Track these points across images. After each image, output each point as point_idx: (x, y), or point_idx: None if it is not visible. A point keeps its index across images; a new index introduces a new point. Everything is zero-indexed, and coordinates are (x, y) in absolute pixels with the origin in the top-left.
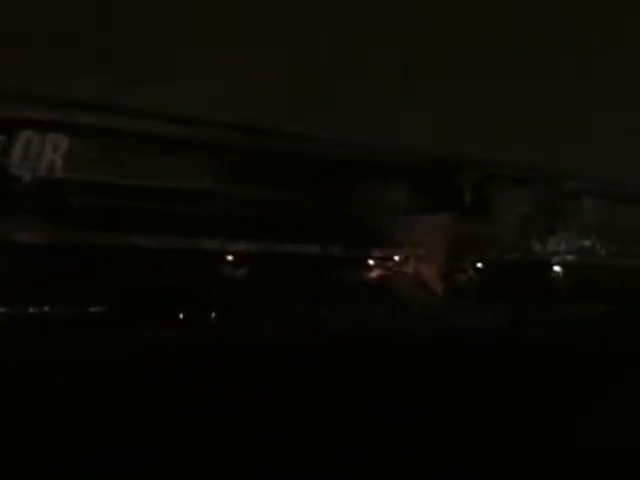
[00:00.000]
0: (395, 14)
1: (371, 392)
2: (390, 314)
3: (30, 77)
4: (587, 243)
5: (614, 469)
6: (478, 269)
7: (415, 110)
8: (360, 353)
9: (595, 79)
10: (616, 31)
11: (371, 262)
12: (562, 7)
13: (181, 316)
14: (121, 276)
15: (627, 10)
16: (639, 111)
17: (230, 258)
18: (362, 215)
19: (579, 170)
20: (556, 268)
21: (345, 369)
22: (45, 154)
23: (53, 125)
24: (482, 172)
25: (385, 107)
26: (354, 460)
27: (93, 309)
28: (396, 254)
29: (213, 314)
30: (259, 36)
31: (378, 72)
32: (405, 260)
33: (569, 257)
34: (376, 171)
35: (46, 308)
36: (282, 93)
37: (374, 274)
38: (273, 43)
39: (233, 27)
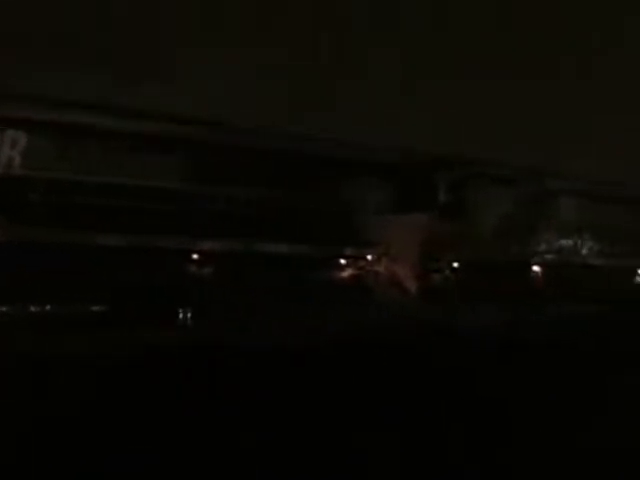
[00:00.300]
0: (395, 14)
1: (350, 391)
2: (363, 313)
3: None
4: (569, 243)
5: (612, 468)
6: (454, 269)
7: (414, 110)
8: (334, 352)
9: (595, 79)
10: (616, 31)
11: (342, 261)
12: (562, 7)
13: (145, 315)
14: (81, 274)
15: (627, 10)
16: (636, 111)
17: (195, 257)
18: (335, 213)
19: (563, 169)
20: (535, 268)
21: (321, 368)
22: (3, 150)
23: (11, 121)
24: (460, 171)
25: (376, 105)
26: (342, 459)
27: (53, 307)
28: (369, 253)
29: (180, 312)
30: (259, 36)
31: (378, 72)
32: (378, 259)
33: (550, 257)
34: (351, 169)
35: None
36: (282, 93)
37: (345, 273)
38: (273, 43)
39: (233, 27)
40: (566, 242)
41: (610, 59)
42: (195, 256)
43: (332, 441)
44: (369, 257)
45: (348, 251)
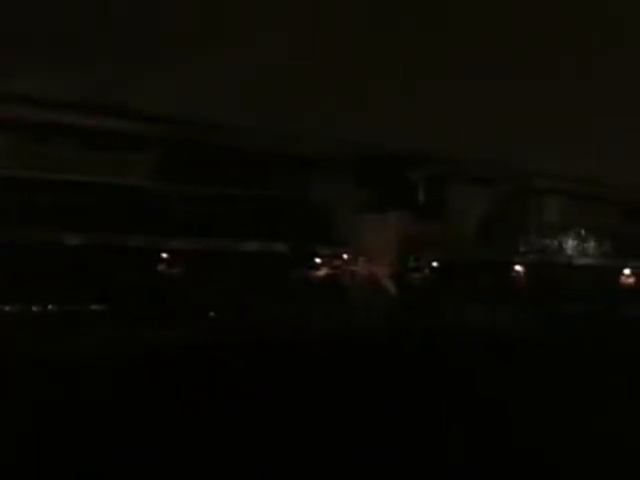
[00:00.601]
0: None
1: (326, 391)
2: (339, 312)
3: None
4: (553, 243)
5: (611, 467)
6: (434, 268)
7: (414, 110)
8: (312, 350)
9: (595, 79)
10: (616, 31)
11: (318, 260)
12: (562, 7)
13: (115, 314)
14: (41, 273)
15: (627, 10)
16: (636, 111)
17: (167, 256)
18: (311, 212)
19: (561, 170)
20: (518, 268)
21: (300, 366)
22: None
23: None
24: (440, 170)
25: (376, 105)
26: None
27: (16, 306)
28: (345, 252)
29: (154, 311)
30: (259, 36)
31: (378, 72)
32: (354, 258)
33: (534, 257)
34: (327, 168)
35: None
36: (282, 93)
37: (321, 272)
38: (273, 43)
39: (233, 27)
40: (550, 242)
41: (610, 59)
42: (167, 255)
43: (311, 440)
44: (345, 256)
45: (323, 250)
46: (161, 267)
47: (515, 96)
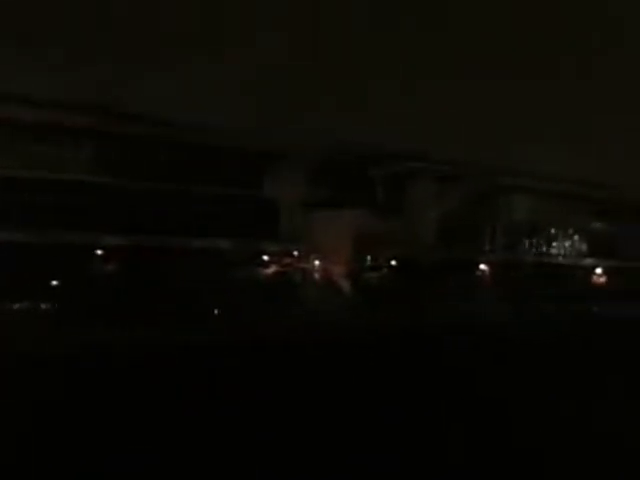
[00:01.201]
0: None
1: (272, 392)
2: (285, 311)
3: None
4: (520, 242)
5: (612, 466)
6: (392, 267)
7: (414, 110)
8: (258, 352)
9: (595, 79)
10: (616, 31)
11: (266, 257)
12: (562, 7)
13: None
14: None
15: (627, 10)
16: (636, 111)
17: (102, 252)
18: (259, 208)
19: (514, 167)
20: (482, 267)
21: (248, 368)
22: None
23: None
24: (400, 167)
25: (376, 105)
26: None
27: None
28: (295, 249)
29: (96, 310)
30: (259, 36)
31: (378, 72)
32: (306, 256)
33: (494, 256)
34: (280, 162)
35: None
36: (282, 93)
37: (269, 270)
38: (273, 43)
39: (233, 27)
40: (518, 241)
41: (610, 59)
42: (102, 252)
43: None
44: (295, 253)
45: (272, 247)
46: (103, 265)
47: (515, 96)
